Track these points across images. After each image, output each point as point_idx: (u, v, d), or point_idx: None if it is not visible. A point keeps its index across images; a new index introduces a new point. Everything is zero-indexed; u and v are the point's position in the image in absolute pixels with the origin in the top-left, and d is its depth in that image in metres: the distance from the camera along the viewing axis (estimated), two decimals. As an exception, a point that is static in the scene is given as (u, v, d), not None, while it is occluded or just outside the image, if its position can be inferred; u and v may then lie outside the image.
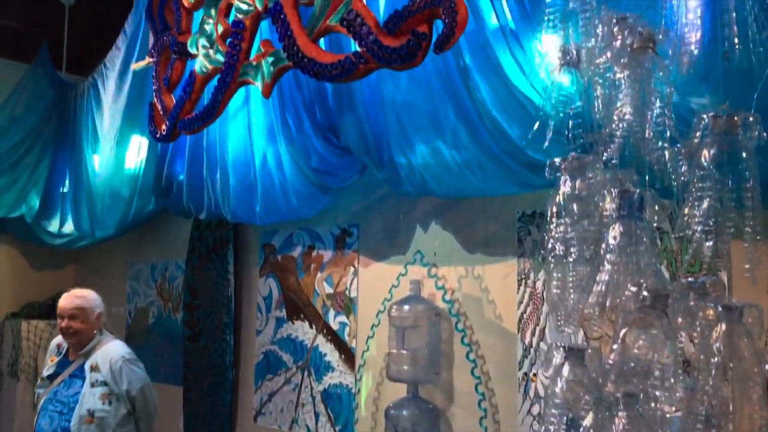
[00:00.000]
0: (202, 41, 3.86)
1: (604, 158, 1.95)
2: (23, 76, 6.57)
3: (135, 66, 4.72)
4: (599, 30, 1.97)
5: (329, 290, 4.96)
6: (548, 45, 2.81)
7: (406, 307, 4.08)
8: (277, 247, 5.48)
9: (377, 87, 3.55)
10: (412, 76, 3.36)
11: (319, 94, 3.88)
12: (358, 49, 3.00)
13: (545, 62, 2.11)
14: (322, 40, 3.33)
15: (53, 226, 6.59)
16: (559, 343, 1.90)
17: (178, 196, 5.30)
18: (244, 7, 3.61)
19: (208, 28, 3.84)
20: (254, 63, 3.53)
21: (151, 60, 4.36)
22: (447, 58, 3.20)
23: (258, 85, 3.50)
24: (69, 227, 6.46)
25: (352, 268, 4.84)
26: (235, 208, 4.72)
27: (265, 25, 3.75)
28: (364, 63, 2.98)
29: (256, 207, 4.54)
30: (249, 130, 4.41)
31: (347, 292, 4.82)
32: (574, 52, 2.05)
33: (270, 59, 3.43)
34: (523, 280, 3.82)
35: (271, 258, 5.52)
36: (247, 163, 4.47)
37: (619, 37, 1.87)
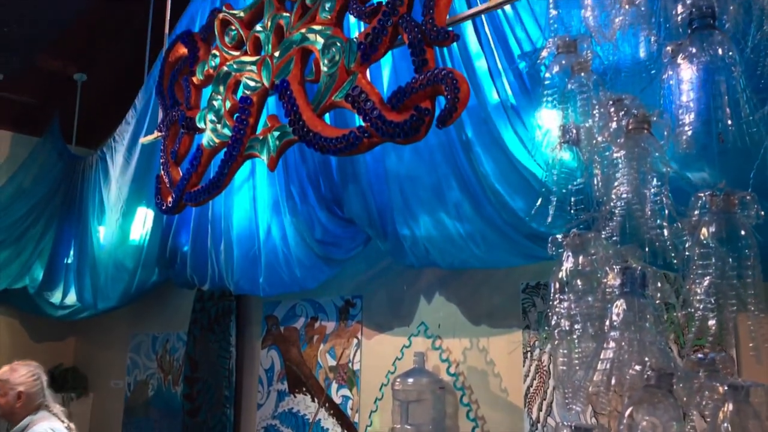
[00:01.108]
0: (210, 116, 3.95)
1: (605, 235, 1.96)
2: (33, 149, 6.72)
3: (144, 140, 4.82)
4: (596, 111, 2.02)
5: (332, 362, 4.89)
6: (549, 122, 2.89)
7: (410, 380, 4.01)
8: (279, 319, 5.44)
9: (381, 160, 3.62)
10: (416, 149, 3.42)
11: (324, 167, 3.94)
12: (362, 123, 3.06)
13: (547, 139, 2.15)
14: (327, 115, 3.41)
15: (56, 297, 6.57)
16: (566, 422, 1.86)
17: (182, 268, 5.31)
18: (252, 83, 3.72)
19: (216, 103, 3.94)
20: (260, 137, 3.60)
21: (159, 134, 4.45)
22: (449, 132, 3.27)
23: (264, 158, 3.56)
24: (71, 298, 6.45)
25: (355, 340, 4.79)
26: (239, 280, 4.72)
27: (271, 100, 3.85)
28: (368, 137, 3.04)
29: (260, 278, 4.54)
30: (254, 203, 4.46)
31: (350, 365, 4.75)
32: (574, 131, 2.10)
33: (276, 133, 3.50)
34: (529, 353, 3.77)
35: (274, 329, 5.47)
36: (251, 235, 4.50)
37: (616, 117, 1.92)
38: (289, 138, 3.44)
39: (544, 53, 1.98)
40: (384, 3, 3.06)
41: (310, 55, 3.48)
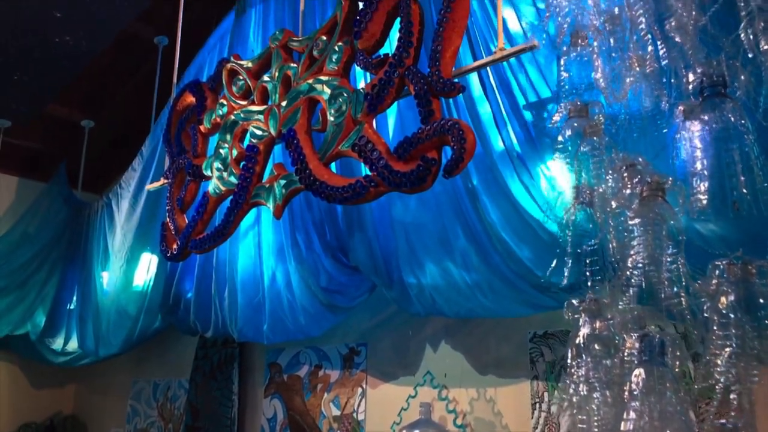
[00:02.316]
0: (217, 164, 3.97)
1: (622, 304, 1.93)
2: (39, 195, 6.74)
3: (150, 186, 4.84)
4: (610, 174, 2.02)
5: (336, 412, 4.80)
6: (558, 175, 2.90)
7: (417, 432, 3.93)
8: (283, 366, 5.38)
9: (386, 208, 3.62)
10: (421, 198, 3.43)
11: (330, 215, 3.94)
12: (369, 173, 3.07)
13: (561, 200, 2.15)
14: (333, 164, 3.43)
15: (57, 344, 6.51)
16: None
17: (185, 314, 5.27)
18: (259, 132, 3.75)
19: (223, 151, 3.97)
20: (267, 185, 3.61)
21: (166, 181, 4.47)
22: (455, 180, 3.28)
23: (270, 206, 3.56)
24: (73, 345, 6.38)
25: (360, 389, 4.72)
26: (243, 327, 4.68)
27: (277, 149, 3.87)
28: (375, 186, 3.05)
29: (264, 326, 4.49)
30: (258, 250, 4.45)
31: (355, 415, 4.67)
32: (588, 193, 2.08)
33: (282, 182, 3.51)
34: (538, 404, 3.71)
35: (277, 377, 5.40)
36: (256, 282, 4.47)
37: (629, 183, 1.91)
38: (295, 186, 3.45)
39: (557, 117, 1.99)
40: (390, 55, 3.11)
41: (316, 105, 3.51)
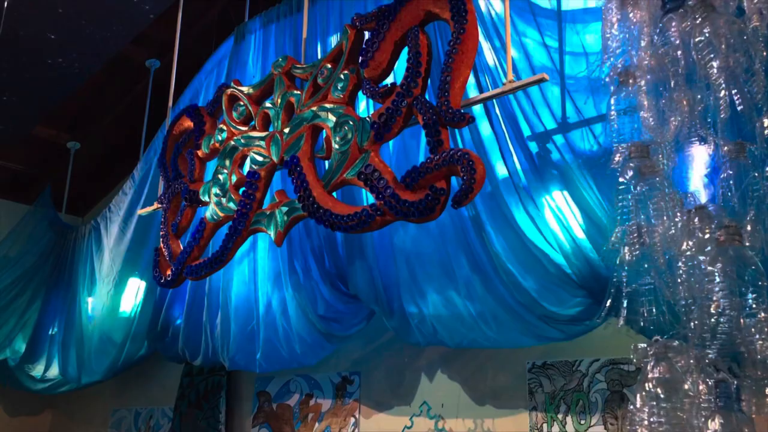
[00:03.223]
0: (215, 189, 3.93)
1: (695, 349, 1.88)
2: (23, 217, 6.60)
3: (142, 211, 4.77)
4: (673, 216, 1.98)
5: (328, 443, 4.72)
6: (570, 217, 2.90)
7: (414, 464, 3.88)
8: (272, 395, 5.28)
9: (388, 236, 3.61)
10: (424, 227, 3.43)
11: (329, 243, 3.92)
12: (375, 201, 3.07)
13: (612, 240, 2.13)
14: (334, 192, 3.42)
15: (37, 370, 6.33)
16: None
17: (173, 342, 5.17)
18: (260, 158, 3.73)
19: (221, 177, 3.94)
20: (267, 212, 3.58)
21: (160, 206, 4.42)
22: (460, 210, 3.27)
23: (270, 233, 3.53)
24: (54, 372, 6.21)
25: (352, 419, 4.65)
26: (235, 355, 4.60)
27: (278, 176, 3.85)
28: (381, 215, 3.04)
29: (257, 354, 4.42)
30: (254, 276, 4.40)
31: (347, 446, 4.59)
32: (645, 234, 2.03)
33: (284, 209, 3.49)
34: (537, 435, 3.68)
35: (266, 406, 5.30)
36: (250, 309, 4.41)
37: (699, 225, 1.88)
38: (298, 214, 3.43)
39: (618, 158, 1.98)
40: (398, 84, 3.12)
41: (320, 132, 3.51)
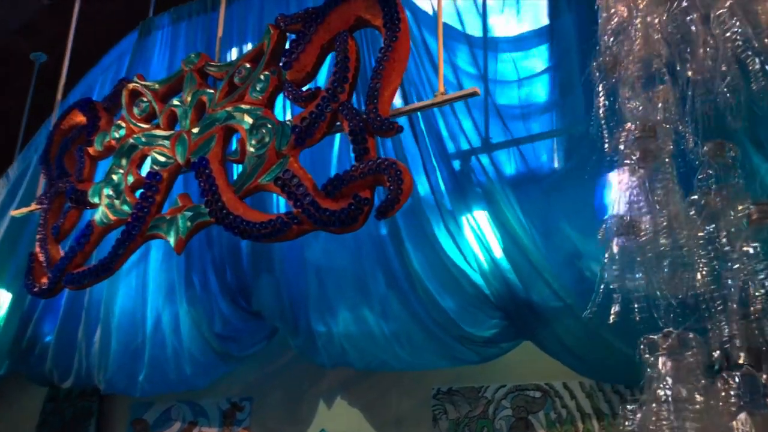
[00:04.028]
0: (107, 191, 3.58)
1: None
2: None
3: (16, 212, 4.27)
4: (674, 200, 1.89)
5: (212, 476, 4.36)
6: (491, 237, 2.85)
7: (309, 496, 3.64)
8: (150, 423, 4.83)
9: (299, 249, 3.42)
10: (340, 240, 3.27)
11: (232, 254, 3.66)
12: (292, 209, 2.89)
13: (604, 231, 2.03)
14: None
15: None
16: None
17: (40, 361, 4.63)
18: (162, 159, 3.44)
19: (116, 177, 3.59)
20: (168, 217, 3.29)
21: (38, 207, 3.97)
22: (378, 225, 3.17)
23: (170, 240, 3.24)
24: None
25: (241, 449, 4.33)
26: (113, 377, 4.17)
27: (180, 179, 3.57)
28: (298, 224, 2.86)
29: (140, 375, 4.03)
30: (143, 289, 4.03)
31: (234, 478, 4.26)
32: (641, 223, 1.91)
33: (188, 214, 3.22)
34: (440, 464, 3.57)
35: (143, 436, 4.84)
36: (135, 325, 4.03)
37: (721, 207, 1.81)
38: (203, 220, 3.17)
39: (622, 138, 1.91)
40: (323, 89, 2.99)
41: (233, 134, 3.30)
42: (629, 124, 1.86)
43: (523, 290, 2.92)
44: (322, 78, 3.39)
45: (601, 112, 1.94)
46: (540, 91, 3.11)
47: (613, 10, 1.93)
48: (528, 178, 2.95)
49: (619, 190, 1.96)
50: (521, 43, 3.27)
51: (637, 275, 1.93)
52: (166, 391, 4.21)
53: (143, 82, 3.72)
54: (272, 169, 3.01)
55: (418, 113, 3.18)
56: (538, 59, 3.18)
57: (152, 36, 4.33)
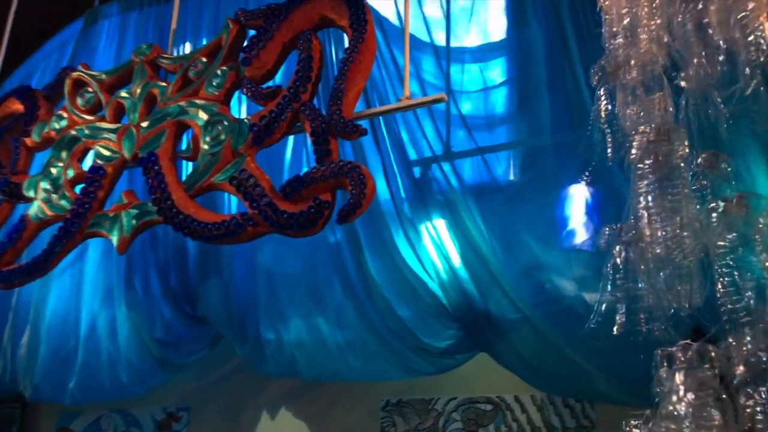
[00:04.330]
0: (45, 184, 3.35)
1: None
2: None
3: (-60, 204, 3.96)
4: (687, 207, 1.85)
5: (144, 489, 4.14)
6: (449, 246, 2.80)
7: None
8: (77, 434, 4.56)
9: (250, 253, 3.29)
10: (294, 245, 3.16)
11: (178, 256, 3.49)
12: (247, 210, 2.77)
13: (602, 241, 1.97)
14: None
15: None
16: None
17: (-42, 365, 4.30)
18: (107, 153, 3.26)
19: (54, 170, 3.37)
20: (111, 214, 3.11)
21: (-33, 199, 3.70)
22: (336, 230, 3.08)
23: (113, 239, 3.06)
24: None
25: (176, 462, 4.13)
26: (40, 383, 3.91)
27: (124, 175, 3.39)
28: (253, 226, 2.74)
29: (70, 382, 3.79)
30: (78, 290, 3.80)
31: (167, 492, 4.05)
32: (647, 228, 1.84)
33: (134, 211, 3.05)
34: (387, 478, 3.48)
35: (69, 447, 4.56)
36: (68, 329, 3.79)
37: (743, 213, 1.78)
38: (150, 218, 3.01)
39: (636, 143, 1.85)
40: (285, 87, 2.89)
41: (186, 130, 3.15)
42: (643, 128, 1.83)
43: (481, 301, 2.89)
44: (279, 76, 3.28)
45: (602, 116, 1.91)
46: (502, 102, 3.10)
47: (616, 14, 1.91)
48: (489, 187, 2.93)
49: (632, 197, 1.91)
50: (484, 54, 3.26)
51: (640, 284, 1.88)
52: (99, 399, 3.97)
53: (89, 72, 3.52)
54: (227, 168, 2.88)
55: (380, 118, 3.12)
56: (499, 70, 3.18)
57: (99, 25, 4.12)
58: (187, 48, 3.89)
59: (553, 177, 2.74)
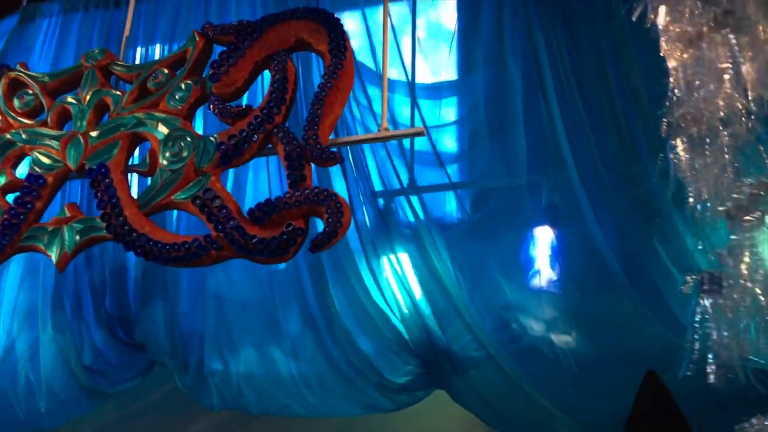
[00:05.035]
0: (-29, 190, 3.04)
1: None
2: None
3: None
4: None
5: None
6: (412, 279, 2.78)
7: None
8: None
9: (200, 277, 3.11)
10: (250, 270, 3.02)
11: (116, 277, 3.24)
12: (210, 232, 2.62)
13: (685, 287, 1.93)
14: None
15: None
16: None
17: None
18: (47, 161, 3.01)
19: (-19, 176, 3.07)
20: (50, 228, 2.86)
21: None
22: (296, 257, 2.97)
23: (52, 254, 2.82)
24: None
25: (87, 501, 3.79)
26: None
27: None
28: (218, 249, 2.61)
29: (-24, 410, 3.40)
30: (-8, 309, 3.44)
31: None
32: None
33: (78, 226, 2.82)
34: None
35: (-42, 482, 4.08)
36: (-23, 351, 3.41)
37: None
38: (96, 235, 2.80)
39: (734, 195, 1.80)
40: (256, 107, 2.79)
41: (140, 143, 2.97)
42: (747, 180, 1.83)
43: (443, 337, 2.86)
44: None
45: (683, 166, 1.90)
46: (472, 137, 3.12)
47: (681, 60, 1.92)
48: (456, 223, 2.93)
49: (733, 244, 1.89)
50: (450, 90, 3.30)
51: (724, 333, 1.87)
52: (9, 430, 3.58)
53: (28, 72, 3.26)
54: (189, 186, 2.73)
55: (348, 147, 3.07)
56: (450, 108, 3.23)
57: (36, 23, 3.83)
58: (138, 54, 3.68)
59: (523, 216, 2.79)
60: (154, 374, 3.47)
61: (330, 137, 2.74)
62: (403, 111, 3.22)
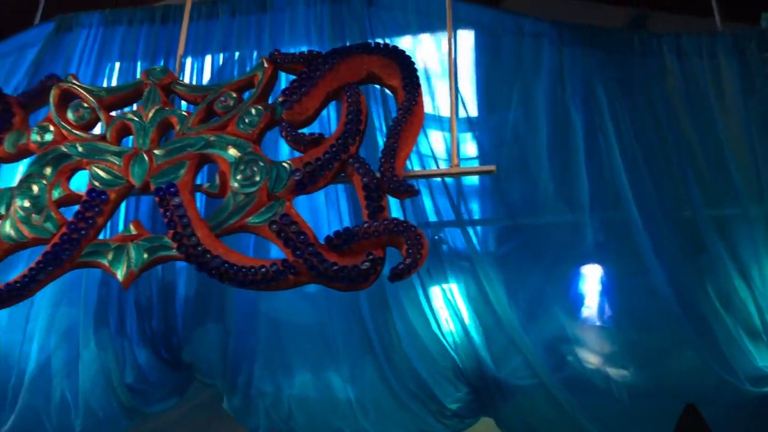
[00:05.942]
0: (23, 202, 2.98)
1: None
2: None
3: None
4: None
5: None
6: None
7: None
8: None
9: (252, 297, 3.13)
10: (303, 292, 3.06)
11: (164, 296, 3.22)
12: (286, 257, 2.68)
13: None
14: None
15: None
16: None
17: None
18: (108, 177, 2.99)
19: (36, 188, 3.02)
20: (114, 245, 2.85)
21: None
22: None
23: (117, 272, 2.81)
24: None
25: None
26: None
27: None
28: (295, 274, 2.66)
29: (2, 427, 3.30)
30: (25, 322, 3.35)
31: None
32: None
33: (146, 244, 2.82)
34: None
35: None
36: (9, 366, 3.31)
37: None
38: (165, 254, 2.81)
39: None
40: (329, 136, 2.88)
41: (206, 163, 3.00)
42: None
43: (493, 365, 2.99)
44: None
45: None
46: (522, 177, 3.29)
47: None
48: (511, 254, 3.08)
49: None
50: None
51: None
52: (40, 451, 3.47)
53: (84, 86, 3.24)
54: (262, 211, 2.79)
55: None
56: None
57: (74, 33, 3.77)
58: (187, 72, 3.70)
59: (581, 250, 2.95)
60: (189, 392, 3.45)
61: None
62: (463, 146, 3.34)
